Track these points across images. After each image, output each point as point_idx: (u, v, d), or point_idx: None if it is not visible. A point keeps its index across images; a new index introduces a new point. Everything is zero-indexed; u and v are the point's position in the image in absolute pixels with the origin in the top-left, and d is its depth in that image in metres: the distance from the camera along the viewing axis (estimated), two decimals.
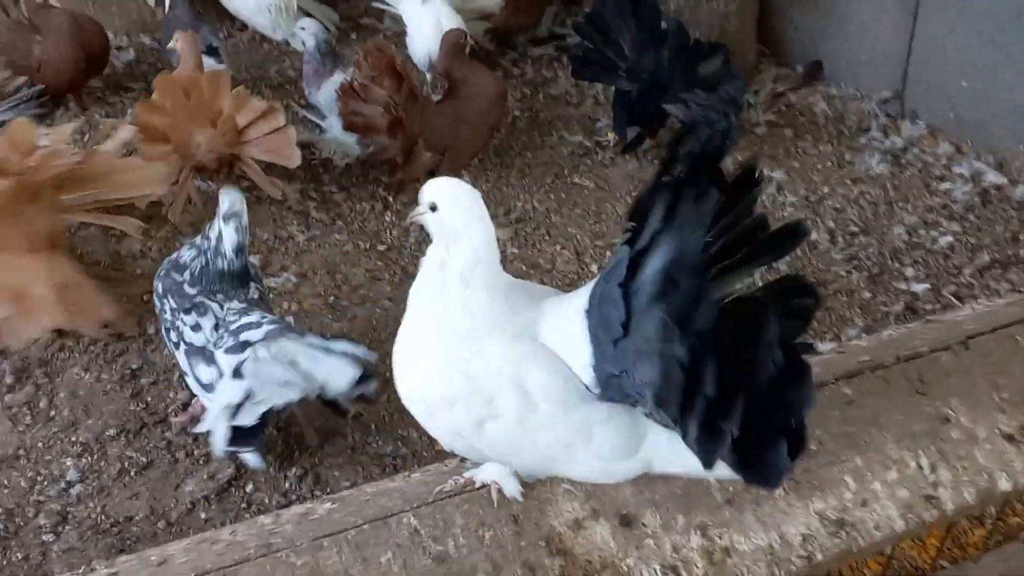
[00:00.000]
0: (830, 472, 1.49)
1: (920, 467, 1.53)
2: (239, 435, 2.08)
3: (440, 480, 1.46)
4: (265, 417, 2.09)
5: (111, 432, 2.38)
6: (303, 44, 3.47)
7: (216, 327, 2.15)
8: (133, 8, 4.32)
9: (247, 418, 2.06)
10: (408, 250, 3.05)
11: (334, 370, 2.04)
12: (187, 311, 2.17)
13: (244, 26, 4.33)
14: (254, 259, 2.72)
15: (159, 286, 2.30)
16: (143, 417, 2.42)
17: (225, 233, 2.20)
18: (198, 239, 2.30)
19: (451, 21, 3.62)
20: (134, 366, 2.57)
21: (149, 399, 2.48)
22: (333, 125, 3.42)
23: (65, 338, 2.63)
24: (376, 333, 2.70)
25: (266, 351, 2.05)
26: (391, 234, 3.12)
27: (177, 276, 2.26)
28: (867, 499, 1.49)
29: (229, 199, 2.21)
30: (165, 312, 2.25)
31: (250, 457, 2.17)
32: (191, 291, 2.22)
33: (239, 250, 2.21)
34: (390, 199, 3.28)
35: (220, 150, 2.99)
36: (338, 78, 3.38)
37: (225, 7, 4.19)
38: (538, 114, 3.86)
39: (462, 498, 1.42)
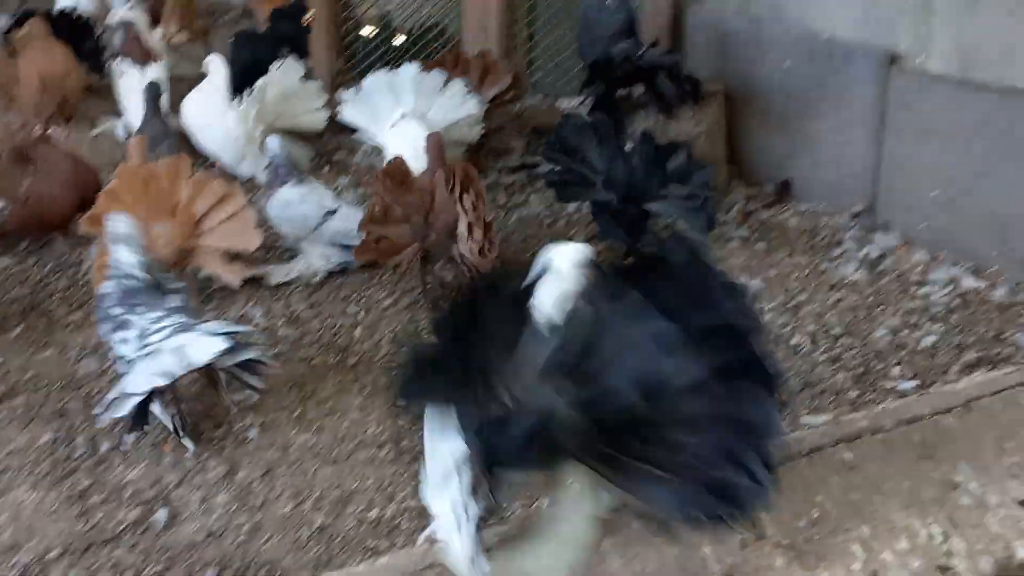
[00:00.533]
0: (835, 541, 1.36)
1: (931, 535, 1.40)
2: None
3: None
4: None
5: (53, 554, 2.20)
6: (268, 155, 3.45)
7: (140, 336, 2.37)
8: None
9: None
10: (379, 363, 2.94)
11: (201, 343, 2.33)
12: (114, 329, 2.38)
13: (212, 163, 4.32)
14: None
15: (98, 324, 2.53)
16: (90, 537, 2.24)
17: (122, 255, 2.47)
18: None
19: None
20: (83, 485, 2.41)
21: (99, 517, 2.30)
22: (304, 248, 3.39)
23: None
24: (344, 445, 2.56)
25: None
26: (363, 347, 3.03)
27: (104, 305, 2.49)
28: (877, 570, 1.36)
29: (108, 224, 2.49)
30: (107, 340, 2.50)
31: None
32: (116, 312, 2.41)
33: (143, 267, 2.46)
34: (360, 315, 3.20)
35: (177, 243, 2.93)
36: (288, 191, 3.34)
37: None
38: (512, 235, 3.84)
39: None
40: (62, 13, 5.28)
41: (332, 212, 3.37)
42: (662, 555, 1.30)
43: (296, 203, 3.36)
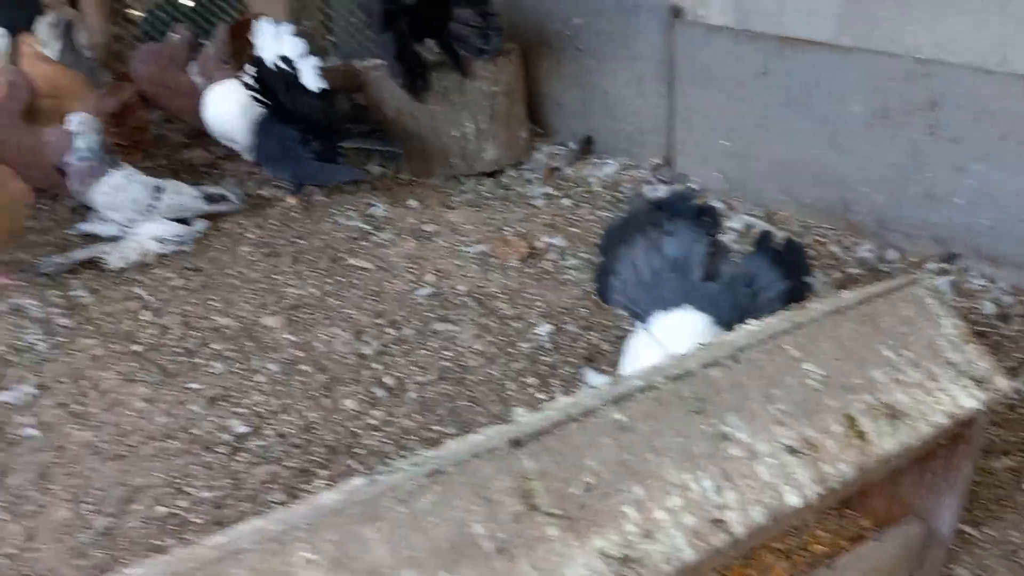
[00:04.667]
0: (609, 505, 1.35)
1: (704, 490, 1.42)
2: None
3: None
4: None
5: None
6: (78, 138, 3.21)
7: None
8: None
9: None
10: (167, 348, 2.78)
11: None
12: None
13: None
14: None
15: None
16: None
17: None
18: None
19: None
20: None
21: None
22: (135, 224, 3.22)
23: None
24: (127, 439, 2.40)
25: None
26: (148, 332, 2.85)
27: None
28: (651, 530, 1.36)
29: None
30: None
31: None
32: None
33: None
34: (146, 297, 3.02)
35: None
36: (116, 177, 3.20)
37: None
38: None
39: None
40: None
41: (160, 189, 3.30)
42: (431, 538, 1.25)
43: (125, 186, 3.24)
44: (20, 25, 3.91)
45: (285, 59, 3.55)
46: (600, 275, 2.27)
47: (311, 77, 3.59)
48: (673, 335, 2.02)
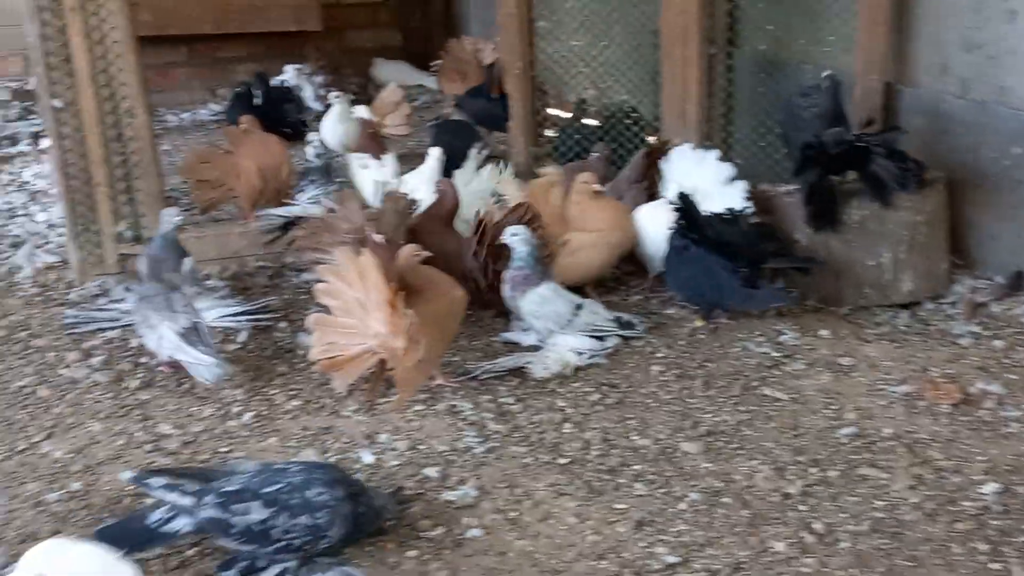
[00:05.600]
0: None
1: None
2: None
3: None
4: None
5: None
6: (514, 249, 3.47)
7: None
8: None
9: None
10: (591, 463, 2.85)
11: None
12: None
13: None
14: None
15: None
16: None
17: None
18: None
19: None
20: None
21: None
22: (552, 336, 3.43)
23: None
24: (562, 554, 2.46)
25: None
26: (573, 446, 2.94)
27: None
28: None
29: None
30: None
31: None
32: None
33: None
34: (568, 410, 3.13)
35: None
36: (544, 289, 3.42)
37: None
38: None
39: None
40: (273, 86, 6.14)
41: (579, 307, 3.49)
42: None
43: (551, 299, 3.45)
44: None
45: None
46: None
47: (736, 200, 3.66)
48: None
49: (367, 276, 2.96)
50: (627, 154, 4.71)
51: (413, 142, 5.74)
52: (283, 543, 2.28)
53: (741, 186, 3.82)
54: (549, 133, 5.18)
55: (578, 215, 3.87)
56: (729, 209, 3.71)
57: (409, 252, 3.16)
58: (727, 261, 3.54)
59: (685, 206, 3.65)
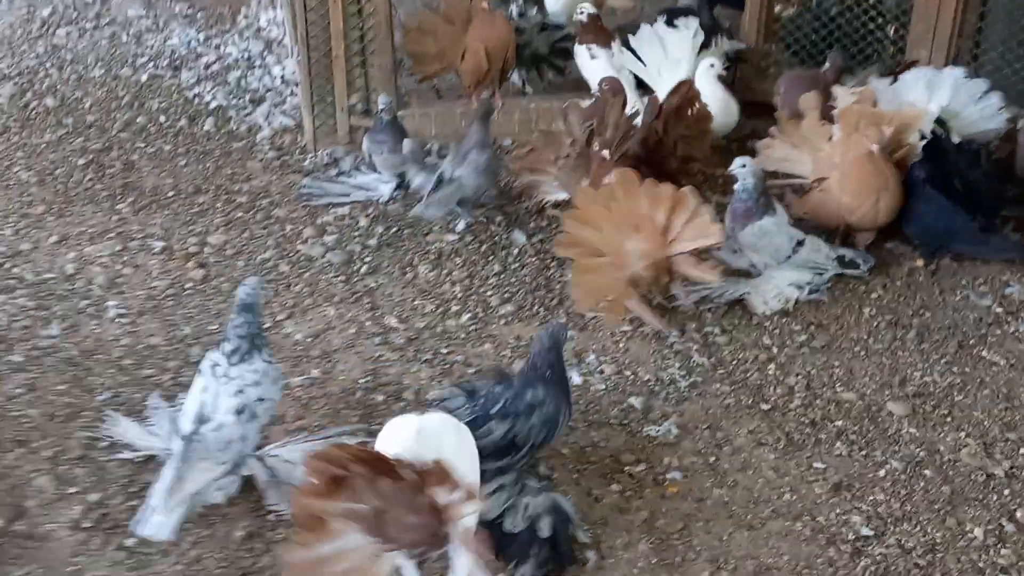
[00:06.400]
0: None
1: None
2: None
3: None
4: None
5: None
6: (739, 179, 3.43)
7: None
8: None
9: None
10: (793, 412, 2.91)
11: None
12: None
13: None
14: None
15: None
16: None
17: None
18: None
19: None
20: None
21: None
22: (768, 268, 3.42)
23: None
24: (758, 509, 2.58)
25: None
26: (776, 391, 3.00)
27: None
28: None
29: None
30: None
31: None
32: None
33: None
34: (773, 349, 3.17)
35: (653, 255, 3.13)
36: (767, 223, 3.38)
37: None
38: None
39: None
40: None
41: (801, 243, 3.42)
42: None
43: (773, 233, 3.41)
44: None
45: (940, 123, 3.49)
46: None
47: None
48: None
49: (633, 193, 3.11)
50: (864, 57, 4.43)
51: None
52: None
53: (995, 100, 3.65)
54: (785, 13, 4.89)
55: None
56: (973, 142, 3.53)
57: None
58: (965, 203, 3.40)
59: (935, 137, 3.49)
